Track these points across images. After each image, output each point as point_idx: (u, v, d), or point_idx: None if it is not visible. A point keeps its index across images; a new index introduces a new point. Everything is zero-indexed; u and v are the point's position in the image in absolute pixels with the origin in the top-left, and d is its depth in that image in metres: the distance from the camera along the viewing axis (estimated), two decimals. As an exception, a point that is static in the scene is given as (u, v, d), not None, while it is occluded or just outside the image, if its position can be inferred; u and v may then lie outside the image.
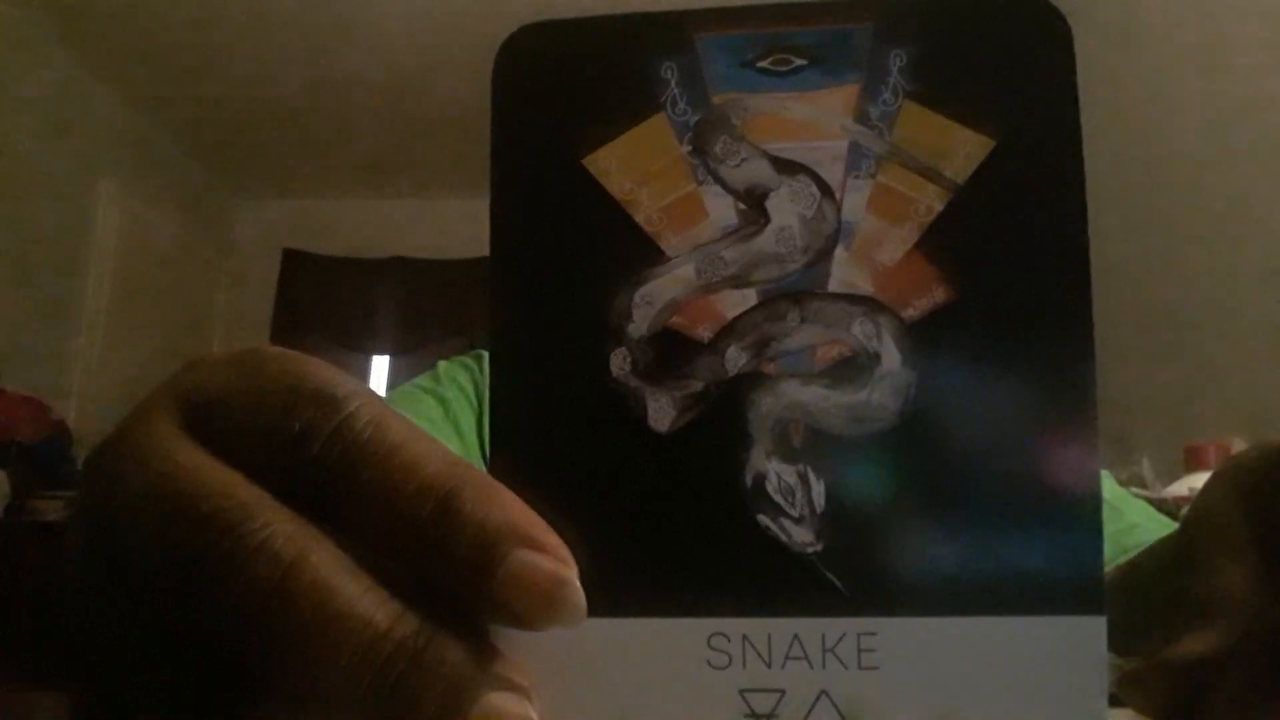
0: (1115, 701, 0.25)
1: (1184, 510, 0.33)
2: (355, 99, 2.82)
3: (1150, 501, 0.64)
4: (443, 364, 0.72)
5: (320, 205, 3.51)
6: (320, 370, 0.19)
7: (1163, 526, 0.54)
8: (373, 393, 0.19)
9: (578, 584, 0.17)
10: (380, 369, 3.50)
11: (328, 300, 3.46)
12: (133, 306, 2.85)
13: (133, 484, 0.18)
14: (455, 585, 0.17)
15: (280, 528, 0.17)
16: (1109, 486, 0.59)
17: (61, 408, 2.26)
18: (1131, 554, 0.51)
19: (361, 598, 0.16)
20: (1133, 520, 0.55)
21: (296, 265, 3.50)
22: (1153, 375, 1.96)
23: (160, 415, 0.19)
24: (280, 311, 3.48)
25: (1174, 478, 1.45)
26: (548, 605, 0.17)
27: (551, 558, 0.17)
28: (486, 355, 0.24)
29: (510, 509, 0.17)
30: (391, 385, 3.00)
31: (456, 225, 2.71)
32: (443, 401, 0.67)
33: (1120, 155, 2.00)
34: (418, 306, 3.43)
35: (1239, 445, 1.35)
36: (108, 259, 2.77)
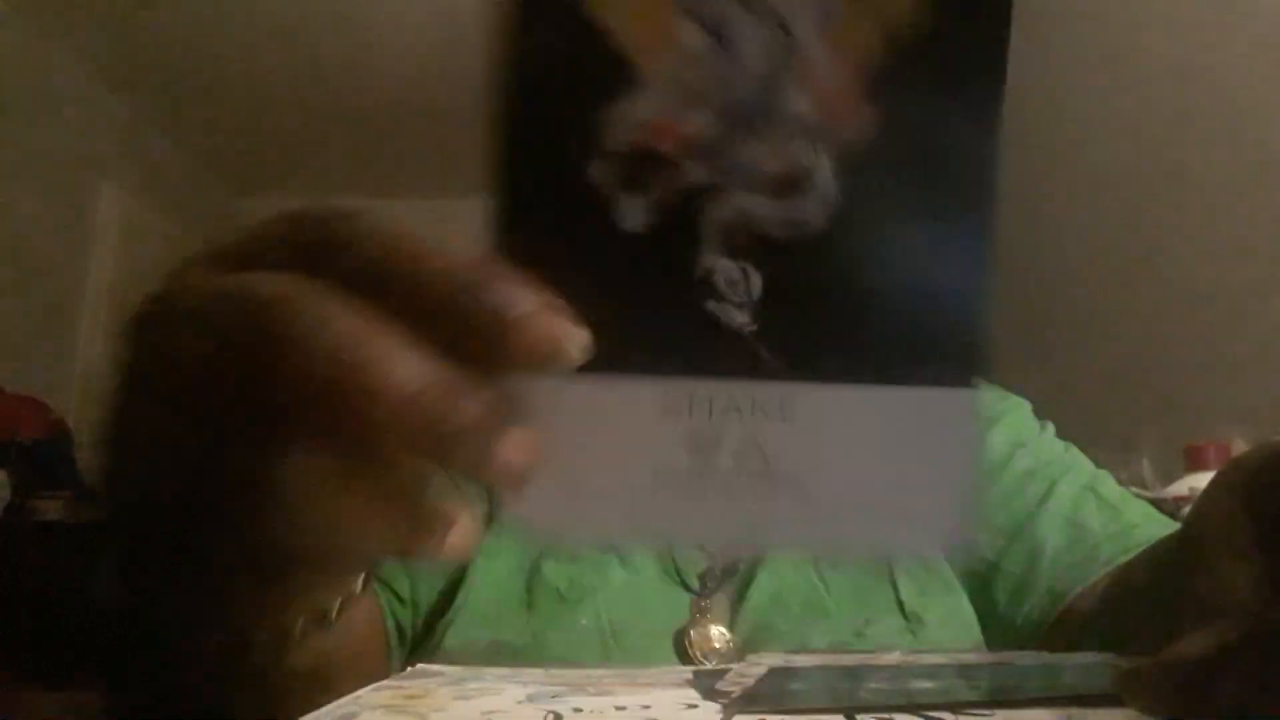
0: (1116, 701, 0.25)
1: (1184, 510, 0.34)
2: (355, 98, 2.82)
3: (1150, 501, 0.64)
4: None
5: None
6: (323, 205, 0.23)
7: (1163, 526, 0.54)
8: (375, 213, 0.22)
9: (578, 332, 0.20)
10: (380, 369, 3.49)
11: (328, 300, 3.46)
12: (133, 306, 2.85)
13: (187, 301, 0.22)
14: (477, 348, 0.20)
15: (333, 300, 0.20)
16: (1109, 486, 0.59)
17: (61, 408, 2.26)
18: (1132, 554, 0.51)
19: (407, 357, 0.20)
20: (1133, 520, 0.55)
21: (296, 265, 3.50)
22: (1153, 375, 1.96)
23: (193, 265, 0.23)
24: (280, 311, 3.48)
25: (1174, 478, 1.45)
26: (557, 348, 0.20)
27: (555, 312, 0.20)
28: None
29: (519, 281, 0.20)
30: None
31: (456, 225, 2.71)
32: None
33: (1118, 158, 2.01)
34: (418, 306, 3.43)
35: (1239, 445, 1.36)
36: (108, 259, 2.77)
